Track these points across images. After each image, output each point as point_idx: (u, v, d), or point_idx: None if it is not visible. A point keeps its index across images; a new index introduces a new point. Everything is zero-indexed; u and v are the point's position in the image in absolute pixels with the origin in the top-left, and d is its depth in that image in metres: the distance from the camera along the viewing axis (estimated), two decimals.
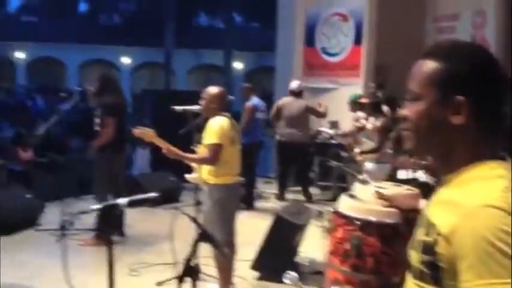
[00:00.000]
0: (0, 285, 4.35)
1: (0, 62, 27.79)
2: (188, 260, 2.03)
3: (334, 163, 4.54)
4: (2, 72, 27.21)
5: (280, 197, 7.78)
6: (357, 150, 5.48)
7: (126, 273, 4.73)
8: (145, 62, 28.60)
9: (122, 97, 6.02)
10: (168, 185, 7.40)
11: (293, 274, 2.23)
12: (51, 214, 6.43)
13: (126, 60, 28.28)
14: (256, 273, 4.68)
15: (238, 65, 27.66)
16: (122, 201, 1.90)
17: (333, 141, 8.10)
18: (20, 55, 28.26)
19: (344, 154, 6.68)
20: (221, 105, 4.03)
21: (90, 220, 6.27)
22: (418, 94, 1.16)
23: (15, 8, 32.63)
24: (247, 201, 7.08)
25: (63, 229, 5.90)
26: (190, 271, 1.98)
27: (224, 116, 4.02)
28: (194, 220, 2.20)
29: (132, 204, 1.92)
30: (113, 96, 5.66)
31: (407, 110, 1.19)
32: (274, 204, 7.63)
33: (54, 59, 28.52)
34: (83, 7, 34.17)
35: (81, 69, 29.06)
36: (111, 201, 1.91)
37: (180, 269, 4.77)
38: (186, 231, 5.57)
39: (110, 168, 5.66)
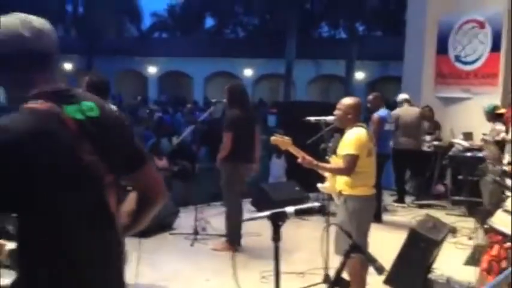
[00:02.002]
0: (139, 286, 4.61)
1: (135, 77, 29.99)
2: (339, 271, 2.01)
3: (490, 176, 4.27)
4: (136, 86, 29.35)
5: (401, 201, 8.19)
6: (505, 160, 5.14)
7: (257, 279, 4.81)
8: (266, 73, 29.22)
9: (247, 108, 5.93)
10: (293, 194, 7.47)
11: None
12: (184, 219, 6.75)
13: (248, 72, 29.10)
14: None
15: (359, 75, 27.24)
16: (289, 209, 1.92)
17: (468, 154, 7.68)
18: (151, 69, 30.24)
19: (496, 168, 6.33)
20: (357, 116, 3.99)
21: (220, 226, 6.52)
22: None
23: (147, 26, 35.01)
24: (375, 213, 6.91)
25: (196, 233, 6.18)
26: (341, 282, 1.96)
27: (361, 126, 3.97)
28: (345, 232, 2.18)
29: (298, 213, 1.94)
30: (237, 108, 5.70)
31: None
32: (401, 217, 7.41)
33: (182, 73, 30.14)
34: (209, 22, 35.82)
35: (206, 82, 30.41)
36: (279, 210, 1.93)
37: (308, 278, 4.81)
38: (312, 240, 5.61)
39: (233, 177, 5.81)
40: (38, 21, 1.62)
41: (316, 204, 1.95)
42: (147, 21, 35.96)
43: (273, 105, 16.28)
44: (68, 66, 29.50)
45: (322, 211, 2.04)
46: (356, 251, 2.03)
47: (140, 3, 30.65)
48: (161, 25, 35.40)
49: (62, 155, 1.51)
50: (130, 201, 1.83)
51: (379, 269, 1.93)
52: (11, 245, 1.74)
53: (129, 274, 3.98)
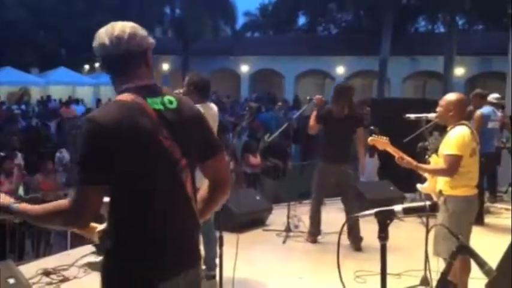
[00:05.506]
0: (237, 280, 4.70)
1: (229, 75, 30.66)
2: (445, 274, 1.94)
3: None
4: (230, 84, 29.99)
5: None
6: None
7: (351, 279, 4.77)
8: (359, 70, 28.69)
9: (341, 107, 5.89)
10: (388, 194, 7.30)
11: None
12: (275, 216, 6.81)
13: (340, 69, 28.72)
14: None
15: (459, 71, 25.94)
16: (397, 208, 1.89)
17: None
18: (244, 68, 30.75)
19: None
20: (460, 113, 3.82)
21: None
22: None
23: (240, 25, 35.55)
24: (477, 216, 6.60)
25: (289, 230, 6.22)
26: (447, 286, 1.89)
27: (464, 124, 3.80)
28: (451, 233, 2.10)
29: (406, 211, 1.91)
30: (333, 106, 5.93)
31: None
32: (505, 219, 7.02)
33: (273, 71, 30.37)
34: (302, 20, 35.75)
35: (297, 80, 30.42)
36: (387, 208, 1.91)
37: (405, 280, 4.69)
38: (408, 241, 5.44)
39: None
40: (119, 29, 1.88)
41: (428, 202, 1.89)
42: (239, 21, 36.61)
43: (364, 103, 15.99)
44: (165, 66, 30.70)
45: (435, 210, 1.97)
46: (464, 252, 1.94)
47: (234, 3, 31.18)
48: (253, 24, 35.85)
49: (142, 137, 1.79)
50: (203, 188, 2.05)
51: (489, 273, 1.83)
52: (101, 227, 1.96)
53: (227, 268, 4.12)
